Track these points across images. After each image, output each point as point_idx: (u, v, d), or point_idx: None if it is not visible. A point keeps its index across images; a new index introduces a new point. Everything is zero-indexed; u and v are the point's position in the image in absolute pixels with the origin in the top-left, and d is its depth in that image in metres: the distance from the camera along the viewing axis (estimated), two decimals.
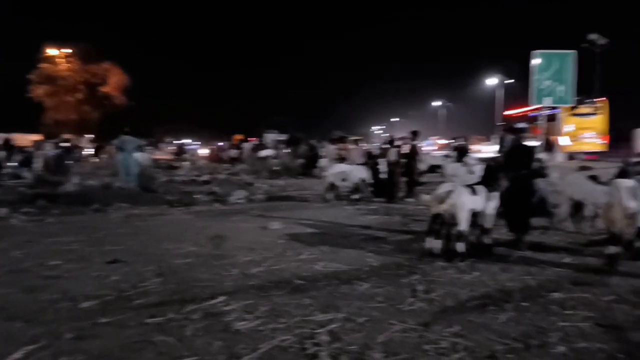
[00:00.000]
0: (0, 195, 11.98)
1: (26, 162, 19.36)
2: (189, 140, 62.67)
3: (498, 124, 42.17)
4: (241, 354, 3.58)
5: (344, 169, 12.88)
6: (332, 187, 12.67)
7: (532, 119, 29.48)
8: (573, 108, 26.83)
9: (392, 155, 12.39)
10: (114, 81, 42.04)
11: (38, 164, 18.88)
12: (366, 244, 7.29)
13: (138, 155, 14.90)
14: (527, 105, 29.82)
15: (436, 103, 75.43)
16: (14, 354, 3.56)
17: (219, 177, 18.61)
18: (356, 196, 12.30)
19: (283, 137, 41.74)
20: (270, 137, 43.12)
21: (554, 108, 27.44)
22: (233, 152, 30.18)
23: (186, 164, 28.41)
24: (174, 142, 59.28)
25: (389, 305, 4.62)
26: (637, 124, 17.49)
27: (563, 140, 25.86)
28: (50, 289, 5.12)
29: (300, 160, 22.61)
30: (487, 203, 6.61)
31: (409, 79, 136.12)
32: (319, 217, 9.88)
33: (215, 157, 31.42)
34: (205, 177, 18.29)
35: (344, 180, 12.70)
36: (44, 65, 40.12)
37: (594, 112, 26.79)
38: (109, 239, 7.70)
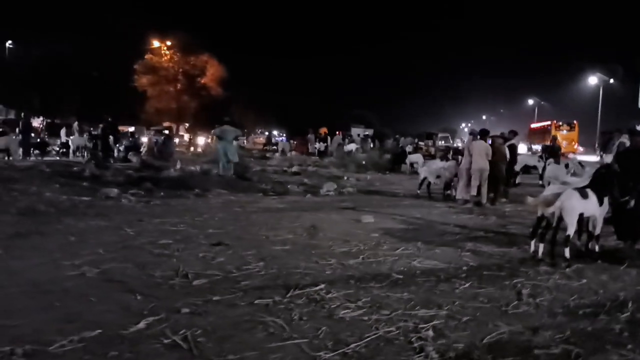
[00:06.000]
0: (111, 177, 12.96)
1: (133, 147, 21.01)
2: (275, 132, 64.31)
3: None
4: (348, 342, 3.63)
5: (439, 166, 12.68)
6: (423, 183, 12.52)
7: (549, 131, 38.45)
8: (558, 127, 39.91)
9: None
10: (211, 73, 43.61)
11: (143, 149, 20.38)
12: (462, 243, 7.13)
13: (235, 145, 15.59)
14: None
15: (530, 101, 71.75)
16: (138, 324, 3.85)
17: (308, 169, 18.94)
18: (448, 192, 12.06)
19: (369, 131, 41.84)
20: (357, 131, 43.33)
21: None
22: (320, 145, 30.64)
23: (277, 154, 29.26)
24: (263, 132, 61.19)
25: (492, 306, 4.50)
26: None
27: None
28: (162, 266, 5.50)
29: (388, 156, 22.52)
30: (598, 208, 6.23)
31: (501, 75, 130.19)
32: (411, 214, 9.79)
33: (302, 149, 32.03)
34: (295, 169, 18.70)
35: (438, 177, 12.48)
36: (148, 56, 42.57)
37: (570, 128, 40.77)
38: (211, 222, 8.15)
